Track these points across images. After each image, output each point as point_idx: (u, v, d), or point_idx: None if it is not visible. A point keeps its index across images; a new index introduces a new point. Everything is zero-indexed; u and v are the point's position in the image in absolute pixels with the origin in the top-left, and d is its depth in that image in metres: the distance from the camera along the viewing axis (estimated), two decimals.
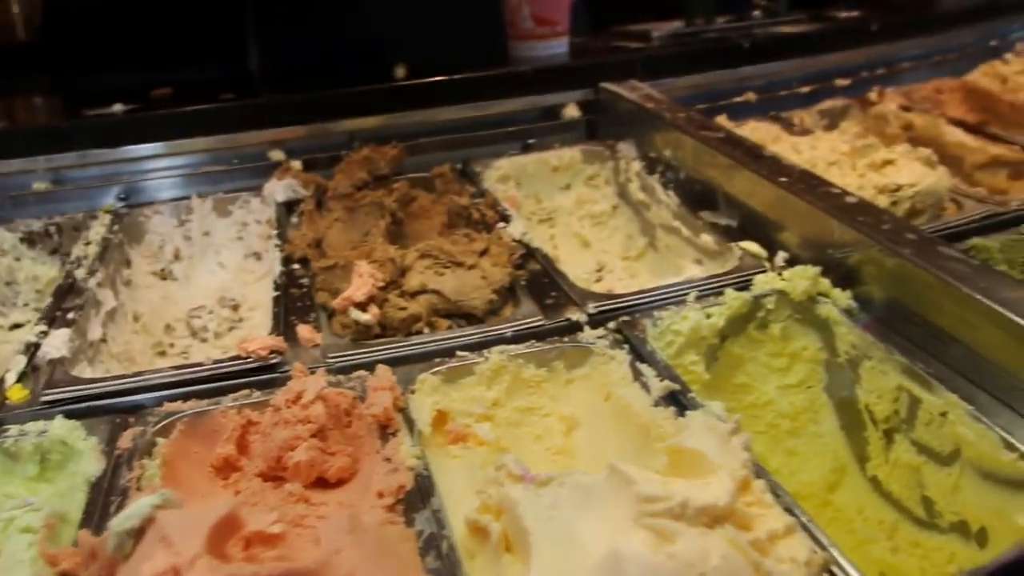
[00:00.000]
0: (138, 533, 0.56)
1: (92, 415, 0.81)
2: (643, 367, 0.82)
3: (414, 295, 0.94)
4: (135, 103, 1.39)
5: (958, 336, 0.81)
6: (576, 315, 0.92)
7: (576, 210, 1.31)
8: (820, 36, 1.72)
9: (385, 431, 0.77)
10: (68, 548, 0.62)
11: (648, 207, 1.22)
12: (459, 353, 0.86)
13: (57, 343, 0.91)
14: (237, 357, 0.87)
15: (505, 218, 1.14)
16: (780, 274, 0.95)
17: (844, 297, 0.91)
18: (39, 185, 1.30)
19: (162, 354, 1.10)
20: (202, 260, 1.26)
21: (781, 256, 1.00)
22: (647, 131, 1.30)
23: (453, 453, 0.80)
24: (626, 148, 1.33)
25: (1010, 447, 0.71)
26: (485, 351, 0.86)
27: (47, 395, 0.83)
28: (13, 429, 0.79)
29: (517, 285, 0.99)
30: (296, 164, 1.32)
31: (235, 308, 1.17)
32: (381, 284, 0.94)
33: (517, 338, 0.89)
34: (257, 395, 0.83)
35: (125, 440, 0.76)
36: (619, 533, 0.53)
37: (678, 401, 0.78)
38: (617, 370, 0.84)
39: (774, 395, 0.95)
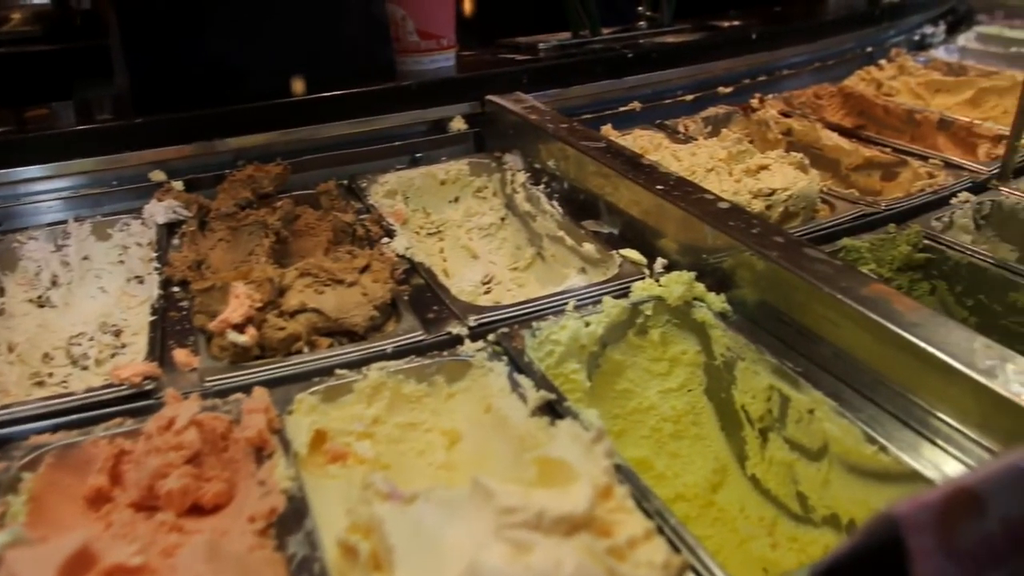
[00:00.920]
0: None
1: None
2: (521, 378, 0.82)
3: (293, 314, 0.93)
4: (7, 125, 1.35)
5: (824, 335, 0.84)
6: (457, 329, 0.92)
7: (465, 222, 1.31)
8: (703, 45, 1.76)
9: (260, 454, 0.76)
10: None
11: (534, 218, 1.23)
12: (338, 371, 0.86)
13: None
14: (110, 385, 0.85)
15: (390, 233, 1.13)
16: (657, 280, 0.97)
17: (718, 301, 0.94)
18: None
19: (40, 384, 1.06)
20: (81, 285, 1.22)
21: (660, 262, 1.02)
22: (532, 142, 1.31)
23: (332, 473, 0.80)
24: (512, 160, 1.34)
25: (871, 440, 0.74)
26: (364, 368, 0.86)
27: None
28: None
29: (399, 300, 0.98)
30: (178, 184, 1.29)
31: (117, 334, 1.14)
32: (259, 305, 0.92)
33: (398, 354, 0.89)
34: (131, 423, 0.81)
35: None
36: (480, 546, 0.53)
37: (555, 410, 0.78)
38: (496, 382, 0.84)
39: (656, 399, 0.96)
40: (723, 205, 0.99)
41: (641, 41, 1.72)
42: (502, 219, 1.32)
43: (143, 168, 1.32)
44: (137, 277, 1.22)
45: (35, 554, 0.56)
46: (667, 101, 1.66)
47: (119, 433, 0.80)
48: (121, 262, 1.24)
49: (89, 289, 1.22)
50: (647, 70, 1.63)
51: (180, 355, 0.91)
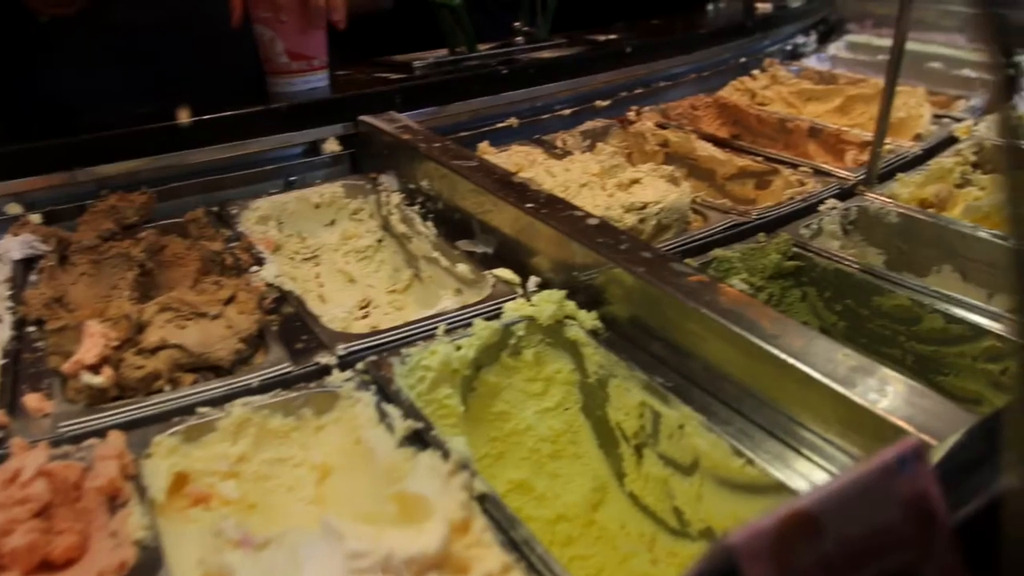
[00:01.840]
0: None
1: None
2: (389, 407, 0.80)
3: (153, 351, 0.89)
4: None
5: (692, 349, 0.84)
6: (326, 358, 0.89)
7: (341, 246, 1.29)
8: (581, 59, 1.77)
9: (114, 503, 0.72)
10: None
11: (410, 239, 1.22)
12: (200, 409, 0.82)
13: None
14: None
15: (260, 261, 1.10)
16: (529, 300, 0.96)
17: (590, 318, 0.93)
18: None
19: None
20: None
21: (533, 281, 1.01)
22: (406, 163, 1.30)
23: (193, 517, 0.76)
24: (387, 180, 1.32)
25: (738, 453, 0.75)
26: (228, 405, 0.83)
27: None
28: None
29: (267, 331, 0.95)
30: (35, 217, 1.23)
31: None
32: (116, 343, 0.88)
33: (264, 387, 0.86)
34: None
35: None
36: None
37: (423, 439, 0.77)
38: (364, 412, 0.82)
39: (533, 420, 0.96)
40: (592, 222, 0.98)
41: (518, 56, 1.72)
42: (379, 241, 1.29)
43: None
44: None
45: None
46: (545, 116, 1.66)
47: None
48: None
49: None
50: (524, 85, 1.63)
51: (32, 400, 0.86)
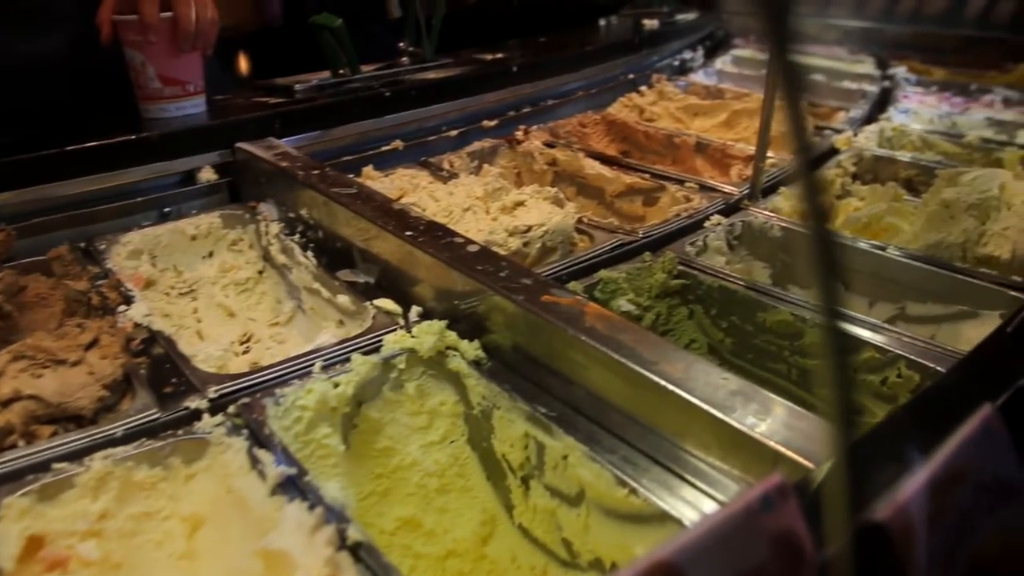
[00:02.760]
0: None
1: None
2: (261, 453, 0.76)
3: (6, 404, 0.83)
4: None
5: (574, 376, 0.83)
6: (196, 402, 0.85)
7: (220, 279, 1.24)
8: (467, 79, 1.75)
9: None
10: None
11: (290, 270, 1.18)
12: (56, 465, 0.77)
13: None
14: None
15: (128, 300, 1.04)
16: (410, 331, 0.94)
17: (472, 348, 0.91)
18: None
19: None
20: None
21: (415, 311, 0.99)
22: (285, 191, 1.26)
23: None
24: (267, 209, 1.28)
25: (622, 483, 0.73)
26: (88, 458, 0.77)
27: None
28: None
29: (135, 375, 0.90)
30: None
31: None
32: None
33: (129, 437, 0.81)
34: None
35: None
36: None
37: (296, 486, 0.73)
38: (235, 459, 0.78)
39: (418, 455, 0.93)
40: (472, 248, 0.96)
41: (403, 78, 1.69)
42: (260, 272, 1.25)
43: None
44: None
45: None
46: (431, 138, 1.64)
47: None
48: None
49: None
50: (409, 107, 1.60)
51: None
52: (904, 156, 1.61)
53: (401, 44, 1.77)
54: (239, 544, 0.73)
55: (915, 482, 0.43)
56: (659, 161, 1.72)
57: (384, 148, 1.55)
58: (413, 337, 0.92)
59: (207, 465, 0.81)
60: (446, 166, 1.54)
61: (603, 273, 1.10)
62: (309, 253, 1.16)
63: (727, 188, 1.42)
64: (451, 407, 0.93)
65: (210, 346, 1.06)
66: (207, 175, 1.34)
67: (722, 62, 2.64)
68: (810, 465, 0.64)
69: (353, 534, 0.64)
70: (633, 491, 0.72)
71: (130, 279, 1.12)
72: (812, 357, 1.04)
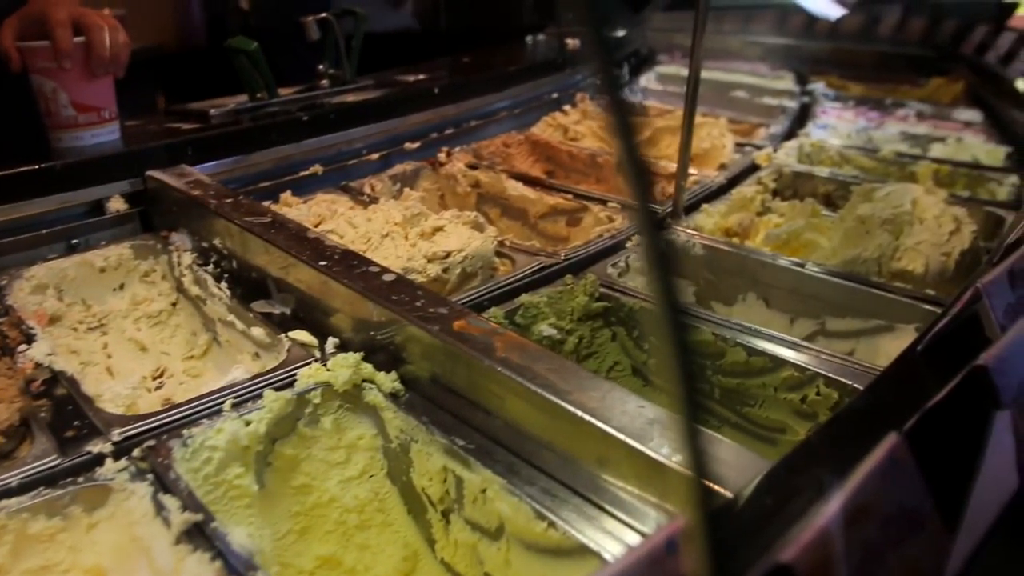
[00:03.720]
0: None
1: None
2: (166, 498, 0.73)
3: None
4: None
5: (491, 406, 0.81)
6: (99, 447, 0.81)
7: (131, 312, 1.19)
8: (388, 101, 1.72)
9: None
10: None
11: (204, 301, 1.14)
12: None
13: None
14: None
15: (30, 338, 1.00)
16: (325, 364, 0.91)
17: (389, 380, 0.89)
18: None
19: None
20: None
21: (332, 342, 0.96)
22: (197, 220, 1.22)
23: None
24: (179, 239, 1.24)
25: (541, 516, 0.72)
26: None
27: None
28: None
29: (34, 419, 0.86)
30: None
31: None
32: None
33: (24, 487, 0.77)
34: None
35: None
36: None
37: (203, 533, 0.70)
38: (138, 506, 0.74)
39: (337, 491, 0.90)
40: (388, 278, 0.94)
41: (322, 101, 1.66)
42: (173, 304, 1.21)
43: None
44: None
45: None
46: (352, 161, 1.61)
47: None
48: None
49: None
50: (328, 131, 1.57)
51: None
52: (822, 172, 1.64)
53: (321, 66, 1.74)
54: None
55: (821, 519, 0.42)
56: (583, 181, 1.71)
57: (303, 173, 1.52)
58: (328, 371, 0.90)
59: (110, 513, 0.77)
60: (367, 190, 1.51)
61: (524, 298, 1.09)
62: (223, 284, 1.12)
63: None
64: (369, 441, 0.90)
65: (119, 384, 1.02)
66: (117, 205, 1.30)
67: (646, 79, 2.66)
68: (728, 494, 0.63)
69: None
70: (552, 524, 0.71)
71: (33, 316, 1.07)
72: (733, 376, 1.04)
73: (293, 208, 1.34)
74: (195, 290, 1.16)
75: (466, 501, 0.80)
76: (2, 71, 1.32)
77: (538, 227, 1.51)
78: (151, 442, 0.81)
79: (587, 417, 0.71)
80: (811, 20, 2.92)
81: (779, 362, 1.00)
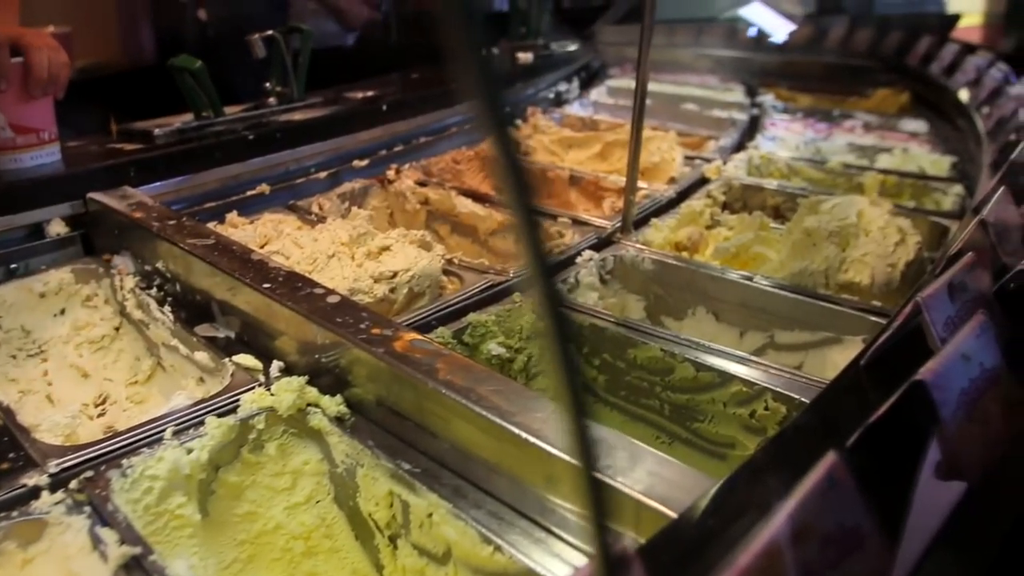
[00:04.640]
0: None
1: None
2: (104, 531, 0.72)
3: None
4: None
5: (436, 429, 0.81)
6: (35, 479, 0.79)
7: (73, 337, 1.17)
8: (335, 119, 1.71)
9: None
10: None
11: (148, 325, 1.12)
12: None
13: None
14: None
15: None
16: (269, 388, 0.90)
17: (334, 404, 0.88)
18: None
19: None
20: None
21: (277, 366, 0.95)
22: (140, 243, 1.20)
23: None
24: (122, 262, 1.22)
25: (487, 541, 0.71)
26: None
27: None
28: None
29: None
30: None
31: None
32: None
33: None
34: None
35: None
36: None
37: (142, 567, 0.68)
38: (75, 540, 0.72)
39: (282, 518, 0.88)
40: (332, 300, 0.93)
41: (268, 119, 1.65)
42: (116, 329, 1.19)
43: None
44: None
45: None
46: (300, 180, 1.59)
47: None
48: None
49: None
50: (275, 149, 1.56)
51: None
52: (771, 184, 1.65)
53: (268, 84, 1.72)
54: None
55: (756, 545, 0.42)
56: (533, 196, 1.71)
57: (250, 193, 1.50)
58: (272, 395, 0.88)
59: (46, 548, 0.75)
60: (315, 209, 1.50)
61: (472, 317, 1.08)
62: (167, 308, 1.10)
63: (599, 222, 1.42)
64: (315, 466, 0.89)
65: (58, 412, 1.00)
66: (57, 228, 1.27)
67: (597, 93, 2.67)
68: (672, 514, 0.63)
69: None
70: (498, 548, 0.70)
71: None
72: (683, 392, 1.04)
73: (239, 229, 1.33)
74: (138, 314, 1.14)
75: (413, 526, 0.79)
76: None
77: (488, 244, 1.51)
78: (89, 473, 0.79)
79: (531, 439, 0.70)
80: (761, 33, 2.96)
81: (727, 377, 1.00)
